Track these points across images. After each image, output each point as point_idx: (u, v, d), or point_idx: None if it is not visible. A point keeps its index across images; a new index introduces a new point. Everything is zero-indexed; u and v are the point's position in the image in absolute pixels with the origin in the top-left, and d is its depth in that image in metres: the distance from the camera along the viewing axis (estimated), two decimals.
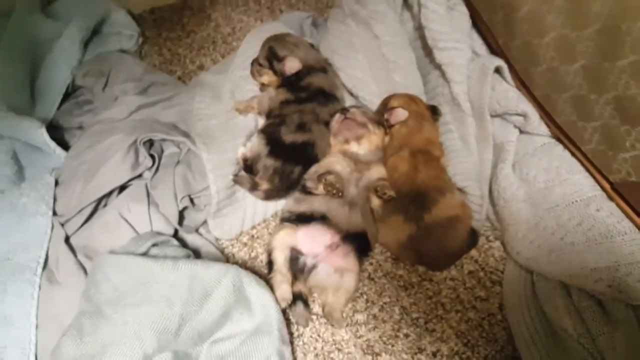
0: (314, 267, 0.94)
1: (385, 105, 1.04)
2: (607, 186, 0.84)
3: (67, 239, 1.02)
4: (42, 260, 1.00)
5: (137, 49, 1.42)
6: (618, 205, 0.82)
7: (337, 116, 1.03)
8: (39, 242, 1.01)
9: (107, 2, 1.38)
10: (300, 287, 0.95)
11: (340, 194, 0.94)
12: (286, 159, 1.01)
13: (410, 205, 0.92)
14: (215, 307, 0.89)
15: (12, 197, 1.06)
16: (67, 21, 1.30)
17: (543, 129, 0.94)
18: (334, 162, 1.01)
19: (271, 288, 0.92)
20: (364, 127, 1.02)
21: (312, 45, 1.16)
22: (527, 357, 0.87)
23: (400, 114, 1.00)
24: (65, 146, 1.15)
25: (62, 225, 1.04)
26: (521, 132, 1.00)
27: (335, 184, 0.94)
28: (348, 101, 1.16)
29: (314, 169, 1.01)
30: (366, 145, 1.03)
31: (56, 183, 1.10)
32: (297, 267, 0.94)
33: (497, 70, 0.98)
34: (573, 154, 0.90)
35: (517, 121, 0.98)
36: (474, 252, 1.01)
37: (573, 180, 0.88)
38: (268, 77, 1.12)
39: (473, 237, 1.00)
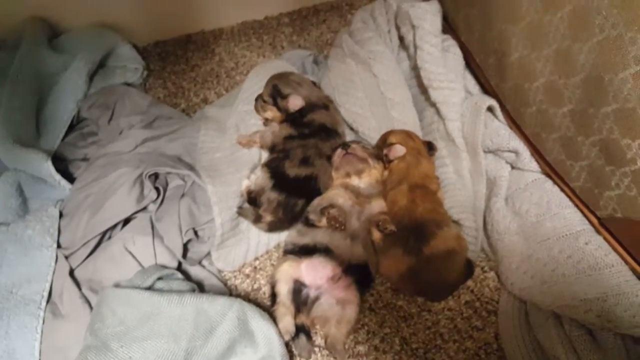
0: (316, 299, 0.96)
1: (384, 141, 1.09)
2: (595, 220, 0.88)
3: (71, 272, 1.03)
4: (46, 294, 1.00)
5: (142, 82, 1.45)
6: (605, 239, 0.86)
7: (339, 151, 1.07)
8: (43, 274, 1.02)
9: (112, 36, 1.41)
10: (303, 319, 0.97)
11: (342, 227, 0.97)
12: (290, 192, 1.04)
13: (410, 238, 0.96)
14: (220, 341, 0.90)
15: (17, 229, 1.07)
16: (73, 54, 1.32)
17: (534, 165, 0.99)
18: (336, 195, 1.05)
19: (274, 320, 0.94)
20: (364, 162, 1.06)
21: (314, 83, 1.21)
22: None
23: (398, 150, 1.04)
24: (69, 177, 1.16)
25: (67, 257, 1.05)
26: (513, 167, 1.05)
27: (338, 218, 0.97)
28: (349, 136, 1.21)
29: (317, 202, 1.05)
30: (367, 179, 1.07)
31: (60, 215, 1.12)
32: (300, 299, 0.96)
33: (490, 109, 1.04)
34: (562, 190, 0.95)
35: (508, 157, 1.03)
36: (470, 283, 1.05)
37: (563, 214, 0.92)
38: (272, 113, 1.16)
39: (469, 268, 1.04)
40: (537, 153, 0.98)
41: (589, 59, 0.74)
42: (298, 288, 0.97)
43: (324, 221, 1.00)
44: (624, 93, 0.68)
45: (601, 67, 0.72)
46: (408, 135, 1.09)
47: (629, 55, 0.66)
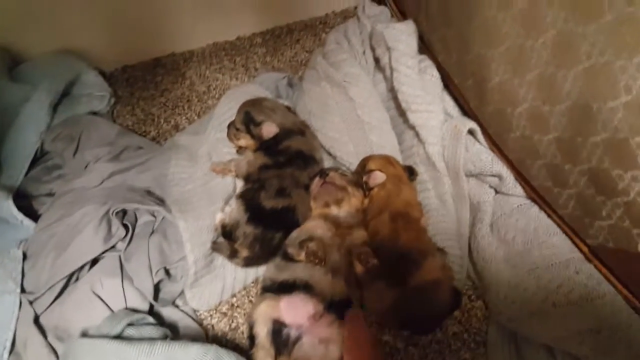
0: (298, 339, 0.91)
1: (363, 167, 1.05)
2: (585, 249, 0.85)
3: (36, 319, 0.97)
4: (9, 343, 0.94)
5: (109, 110, 1.39)
6: (596, 267, 0.83)
7: (317, 180, 1.03)
8: (6, 323, 0.95)
9: (77, 63, 1.35)
10: None
11: (322, 262, 0.92)
12: (266, 225, 0.99)
13: (393, 269, 0.92)
14: None
15: None
16: (34, 84, 1.26)
17: (518, 190, 0.96)
18: (315, 226, 1.00)
19: None
20: (343, 190, 1.02)
21: (288, 108, 1.16)
22: None
23: (378, 177, 1.00)
24: (33, 215, 1.10)
25: (31, 303, 0.98)
26: (497, 192, 1.01)
27: (317, 253, 0.92)
28: (327, 161, 1.16)
29: (295, 235, 1.00)
30: (346, 207, 1.02)
31: (24, 257, 1.05)
32: (281, 340, 0.91)
33: (470, 132, 1.01)
34: (549, 216, 0.91)
35: (492, 182, 1.00)
36: (457, 313, 1.01)
37: (551, 242, 0.89)
38: (245, 140, 1.11)
39: (456, 297, 0.99)
40: (522, 178, 0.94)
41: (575, 86, 0.70)
42: (278, 328, 0.91)
43: (303, 255, 0.95)
44: (614, 123, 0.65)
45: (589, 95, 0.68)
46: (388, 160, 1.05)
47: (619, 84, 0.62)
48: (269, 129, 1.06)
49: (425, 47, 1.17)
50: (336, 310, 0.93)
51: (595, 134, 0.68)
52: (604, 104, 0.65)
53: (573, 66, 0.69)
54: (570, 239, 0.88)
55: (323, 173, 1.04)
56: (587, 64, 0.66)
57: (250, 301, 1.05)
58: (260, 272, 1.07)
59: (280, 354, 0.91)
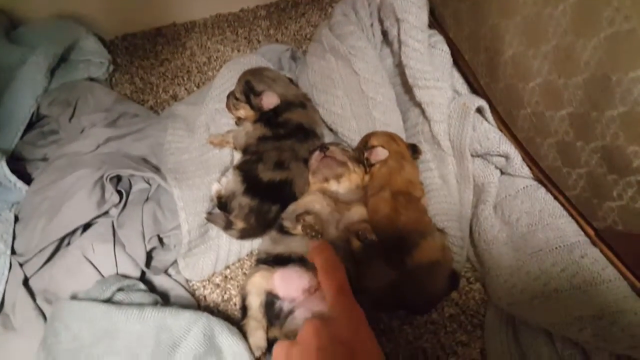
0: (290, 312, 0.89)
1: (365, 143, 1.02)
2: (592, 232, 0.82)
3: (25, 281, 0.95)
4: None
5: (107, 77, 1.36)
6: (602, 252, 0.80)
7: (317, 154, 1.00)
8: None
9: (76, 28, 1.32)
10: (275, 333, 0.89)
11: (319, 235, 0.90)
12: (263, 197, 0.96)
13: (392, 249, 0.89)
14: (184, 359, 0.83)
15: None
16: (32, 47, 1.23)
17: (525, 171, 0.92)
18: (312, 201, 0.97)
19: (244, 335, 0.87)
20: (343, 165, 0.99)
21: (290, 80, 1.13)
22: None
23: (380, 153, 0.97)
24: (27, 179, 1.08)
25: (21, 265, 0.97)
26: (502, 173, 0.98)
27: (314, 226, 0.90)
28: (328, 137, 1.13)
29: (292, 208, 0.97)
30: (346, 184, 0.99)
31: (16, 219, 1.03)
32: (273, 313, 0.89)
33: (479, 110, 0.97)
34: (556, 198, 0.88)
35: (498, 162, 0.97)
36: (454, 295, 0.98)
37: (556, 224, 0.86)
38: (245, 111, 1.08)
39: (454, 279, 0.97)
40: (530, 158, 0.91)
41: (594, 56, 0.66)
42: (271, 301, 0.89)
43: (299, 229, 0.92)
44: (634, 95, 0.61)
45: (608, 65, 0.64)
46: (391, 137, 1.02)
47: None
48: (269, 100, 1.02)
49: (435, 22, 1.14)
50: None
51: (612, 107, 0.65)
52: (625, 75, 0.62)
53: (594, 34, 0.65)
54: (577, 222, 0.85)
55: (323, 147, 1.01)
56: (610, 31, 0.63)
57: (244, 274, 1.03)
58: (255, 245, 1.05)
59: (272, 326, 0.89)
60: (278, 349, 0.55)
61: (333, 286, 0.59)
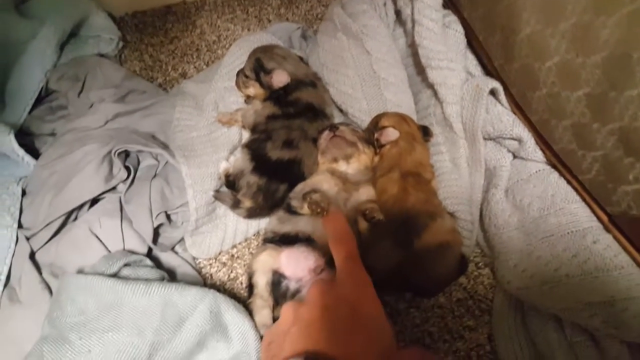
0: (297, 291, 0.88)
1: (376, 124, 1.00)
2: (605, 218, 0.81)
3: (32, 255, 0.95)
4: (3, 277, 0.93)
5: (117, 54, 1.35)
6: (615, 238, 0.79)
7: (326, 133, 0.98)
8: (1, 257, 0.94)
9: (86, 3, 1.30)
10: None
11: (324, 213, 0.89)
12: (271, 176, 0.95)
13: (400, 229, 0.88)
14: (190, 335, 0.83)
15: None
16: (42, 21, 1.22)
17: (538, 155, 0.91)
18: (320, 180, 0.96)
19: (250, 313, 0.87)
20: (353, 145, 0.98)
21: (301, 59, 1.11)
22: None
23: (391, 134, 0.96)
24: (35, 154, 1.08)
25: (28, 239, 0.97)
26: (515, 157, 0.96)
27: (320, 203, 0.88)
28: (337, 118, 1.12)
29: (300, 187, 0.96)
30: (355, 164, 0.98)
31: (23, 193, 1.03)
32: (279, 292, 0.89)
33: (492, 92, 0.95)
34: (569, 182, 0.87)
35: (511, 145, 0.95)
36: (462, 279, 0.97)
37: (569, 209, 0.85)
38: (254, 89, 1.06)
39: (462, 263, 0.96)
40: (543, 142, 0.89)
41: (615, 33, 0.64)
42: (277, 280, 0.89)
43: (306, 208, 0.91)
44: None
45: (629, 43, 0.62)
46: (402, 118, 1.00)
47: None
48: (279, 78, 1.01)
49: (449, 1, 1.11)
50: None
51: (632, 87, 0.63)
52: None
53: (614, 11, 0.63)
54: (590, 207, 0.83)
55: (333, 127, 0.99)
56: (632, 7, 0.60)
57: (251, 253, 1.03)
58: (262, 224, 1.04)
59: (278, 305, 0.89)
60: (286, 308, 0.57)
61: (342, 253, 0.60)
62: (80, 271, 0.89)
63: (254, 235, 1.05)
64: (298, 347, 0.51)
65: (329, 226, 0.64)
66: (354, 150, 0.98)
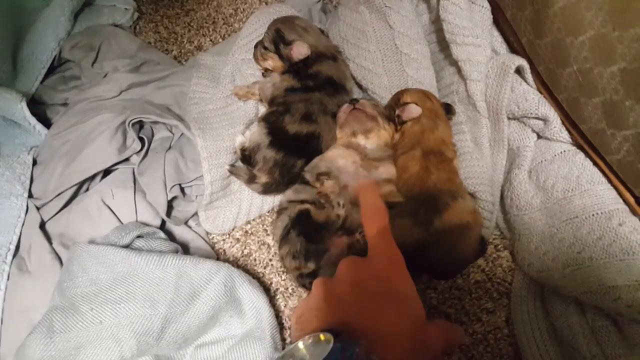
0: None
1: (398, 100, 0.97)
2: (632, 200, 0.78)
3: (42, 225, 0.94)
4: (13, 247, 0.92)
5: (132, 25, 1.32)
6: None
7: (346, 106, 0.96)
8: (10, 226, 0.93)
9: None
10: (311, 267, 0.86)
11: (328, 204, 0.87)
12: (288, 151, 0.93)
13: (420, 208, 0.85)
14: (203, 309, 0.82)
15: None
16: None
17: (564, 135, 0.88)
18: (337, 156, 0.93)
19: (265, 288, 0.86)
20: (373, 120, 0.95)
21: (322, 31, 1.08)
22: None
23: (413, 110, 0.93)
24: (47, 123, 1.07)
25: (38, 209, 0.96)
26: (539, 137, 0.94)
27: (329, 196, 0.87)
28: (356, 94, 1.09)
29: (316, 162, 0.94)
30: (374, 140, 0.95)
31: (34, 163, 1.02)
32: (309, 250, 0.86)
33: (518, 70, 0.93)
34: (595, 163, 0.84)
35: (536, 125, 0.92)
36: (481, 262, 0.96)
37: (595, 191, 0.82)
38: (273, 61, 1.04)
39: (482, 245, 0.94)
40: (570, 122, 0.86)
41: None
42: None
43: (317, 185, 0.89)
44: None
45: None
46: (425, 95, 0.97)
47: None
48: (299, 50, 0.98)
49: None
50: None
51: None
52: None
53: None
54: (616, 189, 0.81)
55: (354, 100, 0.97)
56: None
57: (265, 230, 1.01)
58: (277, 201, 1.02)
59: (307, 262, 0.86)
60: (317, 283, 0.55)
61: (374, 228, 0.58)
62: (92, 242, 0.88)
63: (269, 212, 1.03)
64: (327, 321, 0.50)
65: (364, 198, 0.63)
66: (374, 125, 0.95)
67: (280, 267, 0.97)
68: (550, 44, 0.84)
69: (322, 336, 0.45)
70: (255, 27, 1.10)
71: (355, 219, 0.86)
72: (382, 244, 0.57)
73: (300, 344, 0.46)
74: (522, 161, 0.92)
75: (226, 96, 1.07)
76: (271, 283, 0.96)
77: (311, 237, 0.85)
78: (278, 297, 0.94)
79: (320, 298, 0.53)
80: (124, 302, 0.80)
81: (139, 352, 0.77)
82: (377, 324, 0.49)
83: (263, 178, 0.95)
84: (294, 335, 0.54)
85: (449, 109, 0.99)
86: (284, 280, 0.96)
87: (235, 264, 0.97)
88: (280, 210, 0.93)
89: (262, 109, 1.06)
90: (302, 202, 0.88)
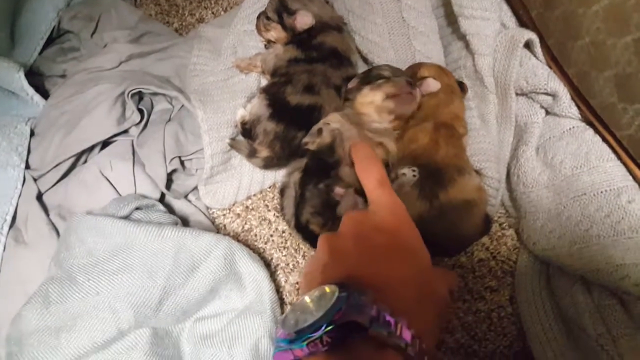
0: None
1: (414, 74, 0.95)
2: None
3: (39, 196, 0.93)
4: (9, 217, 0.91)
5: None
6: None
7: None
8: (7, 196, 0.92)
9: None
10: None
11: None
12: (289, 123, 0.90)
13: (426, 181, 0.83)
14: (203, 282, 0.81)
15: None
16: None
17: (573, 110, 0.86)
18: (334, 120, 0.90)
19: (265, 264, 0.84)
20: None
21: (326, 1, 1.05)
22: (540, 356, 0.81)
23: (432, 85, 0.90)
24: (45, 95, 1.05)
25: (35, 180, 0.94)
26: (547, 113, 0.92)
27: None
28: (361, 68, 1.06)
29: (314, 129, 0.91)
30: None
31: (32, 134, 1.00)
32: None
33: (527, 44, 0.90)
34: (605, 140, 0.82)
35: (544, 101, 0.90)
36: (485, 240, 0.94)
37: (604, 167, 0.80)
38: (276, 32, 1.01)
39: (486, 223, 0.92)
40: (579, 97, 0.84)
41: None
42: None
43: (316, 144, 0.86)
44: None
45: None
46: (442, 70, 0.95)
47: None
48: (303, 19, 0.95)
49: None
50: None
51: None
52: None
53: None
54: (626, 165, 0.79)
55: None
56: None
57: (266, 205, 0.99)
58: (278, 176, 1.00)
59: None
60: (322, 239, 0.55)
61: (372, 179, 0.58)
62: (89, 213, 0.86)
63: (270, 187, 1.02)
64: (333, 275, 0.50)
65: (355, 153, 0.62)
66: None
67: (281, 242, 0.95)
68: (561, 16, 0.82)
69: (327, 288, 0.45)
70: None
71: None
72: (383, 196, 0.57)
73: (307, 298, 0.46)
74: (530, 138, 0.90)
75: (227, 68, 1.04)
76: (272, 259, 0.95)
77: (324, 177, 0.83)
78: (279, 272, 0.93)
79: (326, 253, 0.53)
80: (121, 273, 0.78)
81: (136, 324, 0.76)
82: (384, 276, 0.49)
83: (264, 152, 0.93)
84: (302, 291, 0.54)
85: (461, 87, 0.96)
86: (285, 256, 0.94)
87: (236, 239, 0.95)
88: (283, 190, 0.90)
89: (264, 82, 1.03)
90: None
